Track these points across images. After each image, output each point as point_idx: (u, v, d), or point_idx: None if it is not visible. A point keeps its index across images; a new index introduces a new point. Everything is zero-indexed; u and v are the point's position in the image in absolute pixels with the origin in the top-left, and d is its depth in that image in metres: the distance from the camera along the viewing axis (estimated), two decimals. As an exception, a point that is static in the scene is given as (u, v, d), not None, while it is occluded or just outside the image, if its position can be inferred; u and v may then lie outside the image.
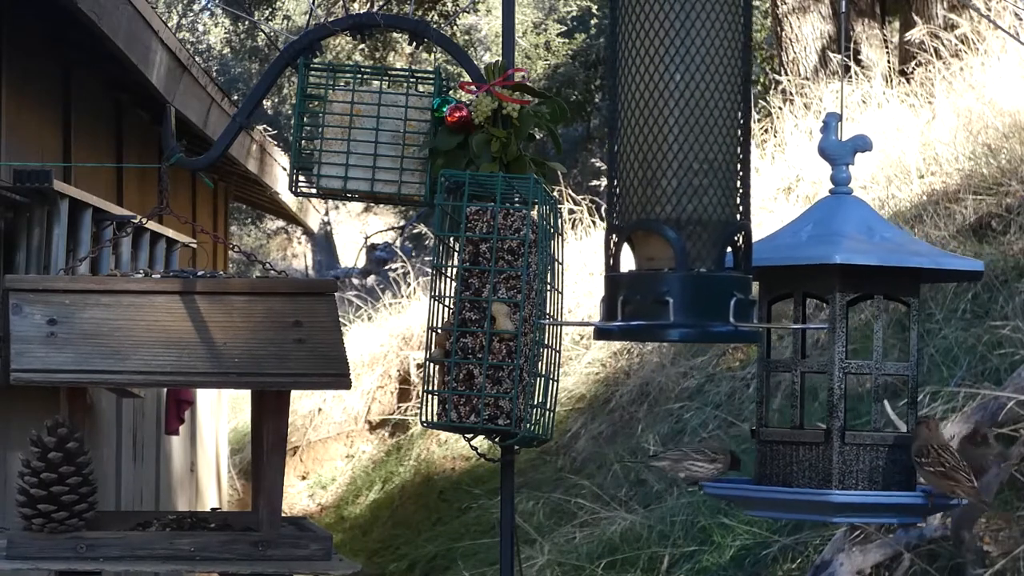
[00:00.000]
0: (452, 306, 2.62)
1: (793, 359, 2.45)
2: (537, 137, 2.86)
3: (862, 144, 2.42)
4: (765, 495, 2.42)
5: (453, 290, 2.62)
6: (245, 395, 11.09)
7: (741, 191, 1.85)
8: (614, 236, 1.86)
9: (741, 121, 1.84)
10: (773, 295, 2.47)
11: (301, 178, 2.89)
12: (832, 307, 2.37)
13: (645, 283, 1.81)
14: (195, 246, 7.13)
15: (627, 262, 1.89)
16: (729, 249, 1.87)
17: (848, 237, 2.35)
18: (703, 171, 1.81)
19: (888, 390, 2.69)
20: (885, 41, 10.81)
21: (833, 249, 2.30)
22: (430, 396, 2.63)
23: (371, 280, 18.79)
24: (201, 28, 22.61)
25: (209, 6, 21.84)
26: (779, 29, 11.01)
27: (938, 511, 2.52)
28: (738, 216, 1.84)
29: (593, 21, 17.70)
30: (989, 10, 8.84)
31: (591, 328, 1.98)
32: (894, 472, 2.37)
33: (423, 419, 2.65)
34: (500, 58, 2.81)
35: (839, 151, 2.43)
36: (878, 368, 2.42)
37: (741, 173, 1.85)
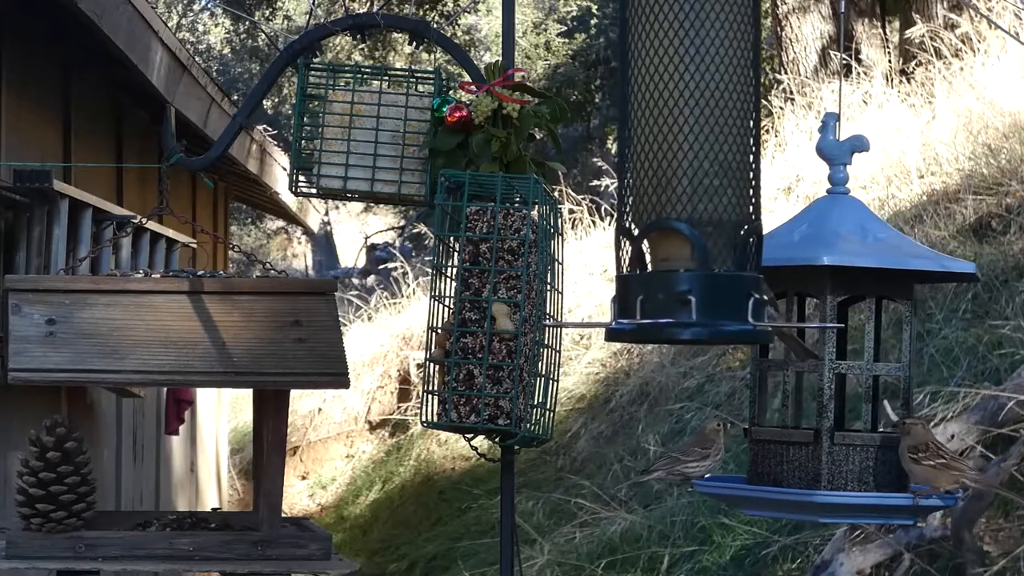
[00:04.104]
0: (452, 306, 2.62)
1: (787, 358, 2.45)
2: (537, 137, 2.86)
3: (860, 144, 2.42)
4: (753, 494, 2.42)
5: (453, 290, 2.61)
6: (245, 395, 11.10)
7: (753, 192, 1.85)
8: (628, 236, 1.86)
9: (752, 121, 1.84)
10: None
11: (301, 178, 2.89)
12: (823, 308, 2.38)
13: (664, 283, 1.81)
14: (195, 246, 7.13)
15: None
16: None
17: (840, 238, 2.35)
18: (717, 172, 1.81)
19: (888, 390, 2.69)
20: (885, 41, 10.82)
21: (823, 251, 2.31)
22: (430, 396, 2.63)
23: (371, 280, 18.79)
24: (201, 28, 22.61)
25: (209, 6, 21.85)
26: (779, 29, 11.02)
27: (925, 512, 2.52)
28: (751, 217, 1.84)
29: (593, 21, 17.69)
30: (989, 10, 8.84)
31: (591, 328, 1.97)
32: (885, 473, 2.37)
33: (423, 419, 2.65)
34: (500, 58, 2.81)
35: (837, 151, 2.43)
36: (869, 369, 2.42)
37: (753, 174, 1.85)
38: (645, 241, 1.85)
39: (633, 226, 1.85)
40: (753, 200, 1.85)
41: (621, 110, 1.87)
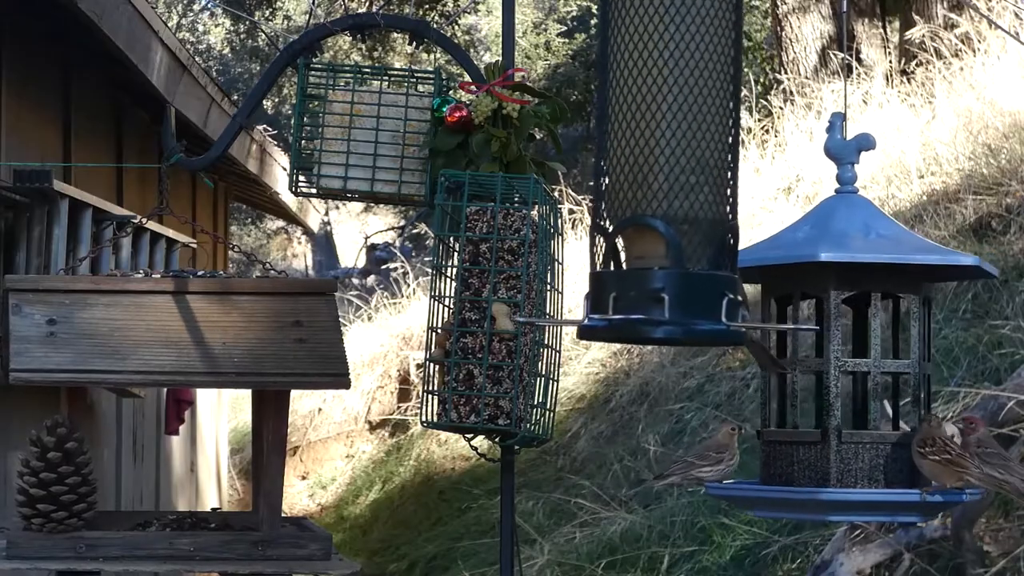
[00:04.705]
0: (452, 306, 2.62)
1: (792, 358, 2.45)
2: (537, 137, 2.86)
3: (866, 143, 2.42)
4: (763, 495, 2.42)
5: (453, 290, 2.62)
6: (245, 395, 11.10)
7: (731, 190, 1.84)
8: (602, 233, 1.85)
9: (732, 119, 1.83)
10: (775, 295, 2.47)
11: (301, 178, 2.89)
12: (827, 305, 2.37)
13: (637, 280, 1.80)
14: (195, 246, 7.12)
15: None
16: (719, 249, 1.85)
17: (841, 235, 2.35)
18: (695, 169, 1.80)
19: (890, 389, 2.68)
20: (885, 41, 10.82)
21: (820, 247, 2.31)
22: (430, 396, 2.63)
23: (371, 280, 18.79)
24: (201, 28, 22.61)
25: (209, 6, 21.84)
26: (779, 29, 11.01)
27: (933, 509, 2.51)
28: (728, 215, 1.83)
29: (593, 21, 17.68)
30: (990, 10, 8.84)
31: (569, 326, 1.96)
32: (895, 470, 2.36)
33: (423, 419, 2.65)
34: (500, 58, 2.81)
35: (844, 150, 2.43)
36: (876, 366, 2.41)
37: (731, 172, 1.84)
38: (620, 238, 1.84)
39: (608, 223, 1.84)
40: (730, 199, 1.83)
41: (600, 105, 1.86)
